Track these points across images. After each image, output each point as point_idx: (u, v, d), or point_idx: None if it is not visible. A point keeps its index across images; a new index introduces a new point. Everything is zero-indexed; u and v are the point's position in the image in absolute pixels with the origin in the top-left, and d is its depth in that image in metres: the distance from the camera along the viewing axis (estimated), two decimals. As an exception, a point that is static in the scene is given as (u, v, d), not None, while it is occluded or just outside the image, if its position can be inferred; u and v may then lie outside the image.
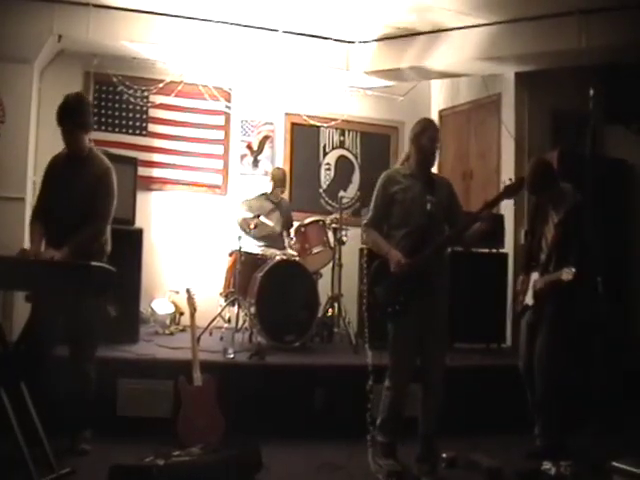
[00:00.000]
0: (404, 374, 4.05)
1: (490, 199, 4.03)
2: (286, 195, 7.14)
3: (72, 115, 4.01)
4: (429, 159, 4.11)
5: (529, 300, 4.67)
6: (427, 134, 4.04)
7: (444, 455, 4.35)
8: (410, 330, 3.97)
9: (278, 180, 6.73)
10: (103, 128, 7.21)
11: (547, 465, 4.25)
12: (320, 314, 6.10)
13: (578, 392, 5.11)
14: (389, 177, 4.14)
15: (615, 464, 3.80)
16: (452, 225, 4.07)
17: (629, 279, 6.60)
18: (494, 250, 6.50)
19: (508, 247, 6.57)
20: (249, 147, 7.76)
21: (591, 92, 5.62)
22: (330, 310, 6.39)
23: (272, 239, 6.47)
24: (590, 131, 5.66)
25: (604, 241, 5.73)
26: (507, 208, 6.86)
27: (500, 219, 6.60)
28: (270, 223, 6.17)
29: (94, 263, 3.48)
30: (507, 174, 6.95)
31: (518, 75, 6.96)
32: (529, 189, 4.67)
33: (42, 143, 6.26)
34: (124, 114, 7.33)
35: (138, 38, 6.55)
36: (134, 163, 5.97)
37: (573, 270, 4.27)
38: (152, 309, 6.54)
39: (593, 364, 5.34)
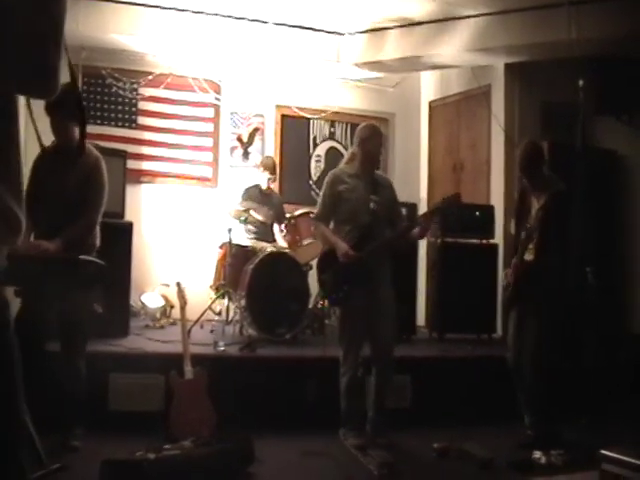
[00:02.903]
0: (356, 357, 4.40)
1: (428, 210, 4.56)
2: (276, 187, 7.12)
3: (63, 105, 3.97)
4: (373, 162, 4.52)
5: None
6: (373, 141, 4.45)
7: (436, 445, 4.37)
8: (357, 317, 4.35)
9: (269, 168, 6.70)
10: (92, 121, 7.18)
11: (538, 454, 4.28)
12: (311, 306, 6.11)
13: (571, 383, 5.14)
14: (336, 176, 4.51)
15: (604, 452, 3.84)
16: (392, 223, 4.48)
17: (621, 271, 6.62)
18: (484, 241, 6.53)
19: (498, 238, 6.59)
20: (239, 139, 7.74)
21: (581, 83, 5.63)
22: (321, 302, 6.39)
23: (263, 232, 6.45)
24: (580, 122, 5.67)
25: (595, 232, 5.77)
26: (497, 199, 6.89)
27: (490, 210, 6.64)
28: (261, 218, 6.15)
29: (83, 257, 3.46)
30: (497, 165, 7.02)
31: (508, 66, 6.98)
32: (520, 167, 4.70)
33: (31, 136, 6.19)
34: (113, 107, 7.31)
35: (127, 30, 6.53)
36: (123, 156, 5.92)
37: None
38: (142, 302, 6.52)
39: (586, 356, 5.38)
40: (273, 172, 6.68)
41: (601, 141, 6.80)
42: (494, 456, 4.19)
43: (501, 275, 6.22)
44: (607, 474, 3.78)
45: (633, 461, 3.68)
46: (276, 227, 6.51)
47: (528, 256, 4.52)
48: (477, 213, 6.53)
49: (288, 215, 6.46)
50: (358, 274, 4.27)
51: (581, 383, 5.23)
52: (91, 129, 7.03)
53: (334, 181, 4.47)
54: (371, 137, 4.43)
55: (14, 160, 1.36)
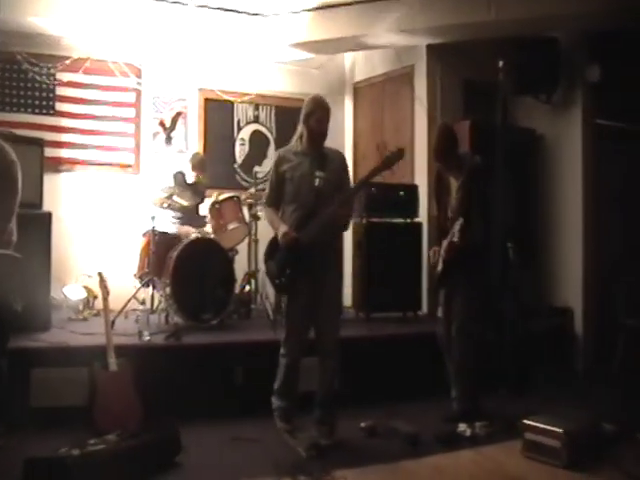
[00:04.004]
0: (297, 341, 4.28)
1: (369, 172, 4.28)
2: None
3: None
4: (318, 138, 4.26)
5: (439, 267, 4.77)
6: (315, 116, 4.23)
7: (363, 424, 4.44)
8: (301, 301, 4.21)
9: (197, 166, 6.62)
10: (7, 108, 6.91)
11: (463, 427, 4.42)
12: (237, 291, 6.09)
13: (491, 356, 5.29)
14: (281, 156, 4.35)
15: (526, 422, 4.00)
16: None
17: (539, 246, 6.82)
18: (408, 220, 6.61)
19: (422, 217, 6.68)
20: (162, 124, 7.60)
21: (500, 64, 5.74)
22: (247, 286, 6.38)
23: (187, 217, 6.38)
24: (500, 102, 5.79)
25: (514, 209, 5.92)
26: (420, 178, 6.97)
27: (414, 189, 6.72)
28: (184, 202, 6.07)
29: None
30: (421, 145, 7.09)
31: (430, 47, 7.03)
32: (436, 154, 4.80)
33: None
34: (30, 93, 7.05)
35: (43, 13, 6.29)
36: (41, 144, 5.77)
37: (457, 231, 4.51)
38: (64, 295, 6.34)
39: (506, 327, 5.54)
40: (202, 170, 6.60)
41: (520, 120, 6.96)
42: (420, 431, 4.28)
43: (426, 254, 6.34)
44: (529, 442, 3.96)
45: (553, 429, 3.86)
46: (202, 207, 6.48)
47: (455, 237, 4.58)
48: (401, 193, 6.60)
49: (213, 200, 6.40)
50: (300, 257, 4.11)
51: (501, 354, 5.39)
52: (6, 117, 6.79)
53: (279, 161, 4.31)
54: (312, 112, 4.22)
55: None
